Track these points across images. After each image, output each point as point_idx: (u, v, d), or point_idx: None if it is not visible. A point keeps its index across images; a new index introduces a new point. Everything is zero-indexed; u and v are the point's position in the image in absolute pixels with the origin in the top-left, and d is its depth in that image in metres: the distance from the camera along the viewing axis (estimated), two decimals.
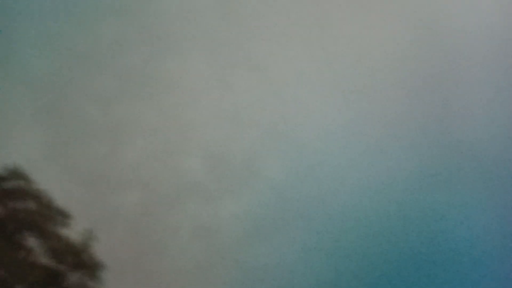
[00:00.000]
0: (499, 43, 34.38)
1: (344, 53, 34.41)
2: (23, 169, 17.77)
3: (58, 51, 30.96)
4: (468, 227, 29.82)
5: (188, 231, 26.86)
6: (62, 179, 24.44)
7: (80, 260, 17.51)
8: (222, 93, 34.27)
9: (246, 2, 34.67)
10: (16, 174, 17.64)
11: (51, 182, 19.43)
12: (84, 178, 26.53)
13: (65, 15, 31.48)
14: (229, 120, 32.66)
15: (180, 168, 29.43)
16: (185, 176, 29.05)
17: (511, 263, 28.00)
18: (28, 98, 28.77)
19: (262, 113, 33.07)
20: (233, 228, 27.96)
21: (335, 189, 30.72)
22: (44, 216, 17.71)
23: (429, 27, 34.83)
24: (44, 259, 17.29)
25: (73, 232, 18.08)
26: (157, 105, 32.36)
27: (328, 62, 34.65)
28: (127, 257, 22.28)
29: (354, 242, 28.35)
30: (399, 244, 29.15)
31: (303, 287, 27.84)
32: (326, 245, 28.19)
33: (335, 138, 32.02)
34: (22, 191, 17.65)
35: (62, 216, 17.82)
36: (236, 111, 32.92)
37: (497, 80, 34.43)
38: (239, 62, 34.13)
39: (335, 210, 29.68)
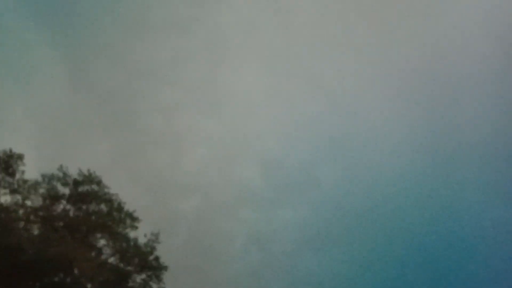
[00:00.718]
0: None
1: (400, 63, 34.25)
2: (96, 174, 18.52)
3: (124, 64, 32.99)
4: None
5: (244, 238, 27.53)
6: (128, 185, 25.70)
7: (146, 262, 18.10)
8: (280, 103, 35.05)
9: (303, 14, 35.31)
10: (90, 178, 18.44)
11: (118, 187, 19.84)
12: (148, 183, 27.89)
13: (130, 30, 33.52)
14: (286, 130, 33.31)
15: (238, 176, 30.31)
16: (243, 184, 29.86)
17: None
18: (97, 109, 30.83)
19: (319, 123, 33.48)
20: (288, 237, 28.34)
21: (392, 199, 30.42)
22: (114, 219, 18.42)
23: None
24: (112, 260, 18.08)
25: (139, 235, 18.86)
26: (217, 115, 33.64)
27: (383, 73, 34.60)
28: (186, 260, 23.14)
29: (411, 256, 27.95)
30: (463, 256, 28.28)
31: None
32: (381, 258, 28.01)
33: (392, 147, 31.82)
34: (95, 195, 18.42)
35: (131, 219, 18.47)
36: (292, 121, 33.56)
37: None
38: (296, 74, 34.83)
39: (391, 222, 29.44)
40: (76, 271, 16.95)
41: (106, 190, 18.48)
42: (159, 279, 18.11)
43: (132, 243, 18.29)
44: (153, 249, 18.35)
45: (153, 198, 26.96)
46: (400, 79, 33.93)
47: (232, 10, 34.44)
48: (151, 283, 18.08)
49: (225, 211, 28.38)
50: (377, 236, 29.25)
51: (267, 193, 29.95)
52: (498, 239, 27.96)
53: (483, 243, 28.38)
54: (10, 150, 17.64)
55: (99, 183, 18.43)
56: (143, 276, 18.07)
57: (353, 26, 34.61)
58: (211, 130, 31.77)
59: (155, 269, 18.15)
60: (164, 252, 18.78)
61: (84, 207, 18.26)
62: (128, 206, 18.86)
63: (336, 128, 34.54)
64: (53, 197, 17.93)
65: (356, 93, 34.34)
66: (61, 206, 18.11)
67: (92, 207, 18.35)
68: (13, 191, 17.37)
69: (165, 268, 18.44)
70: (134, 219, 18.53)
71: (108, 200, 18.44)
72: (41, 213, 17.70)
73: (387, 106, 33.60)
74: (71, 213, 18.09)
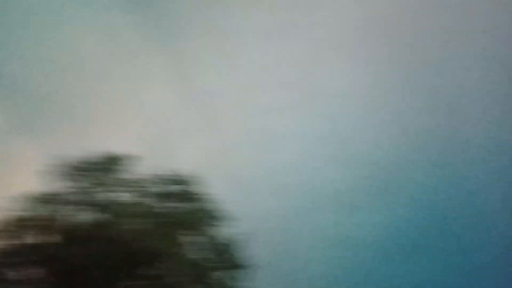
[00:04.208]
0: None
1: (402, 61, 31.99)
2: (189, 175, 19.97)
3: (225, 66, 34.68)
4: None
5: (327, 240, 27.76)
6: (221, 183, 27.34)
7: (231, 260, 19.29)
8: (372, 103, 34.42)
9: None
10: (183, 179, 19.94)
11: (214, 186, 20.89)
12: (242, 183, 29.15)
13: (237, 30, 34.94)
14: (373, 129, 32.62)
15: (321, 177, 30.39)
16: (325, 185, 29.82)
17: None
18: (199, 110, 32.93)
19: (407, 123, 32.28)
20: (372, 240, 28.01)
21: (487, 205, 28.56)
22: (202, 217, 19.76)
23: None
24: (195, 256, 19.16)
25: (228, 233, 19.74)
26: (308, 115, 34.07)
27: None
28: (269, 259, 24.05)
29: (501, 265, 26.09)
30: None
31: None
32: (468, 267, 26.44)
33: (486, 152, 29.78)
34: (187, 194, 19.86)
35: (221, 217, 19.65)
36: (380, 121, 32.76)
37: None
38: (392, 76, 33.87)
39: (485, 230, 27.69)
40: (164, 266, 18.28)
41: (198, 189, 19.66)
42: (239, 278, 19.11)
43: (215, 241, 19.39)
44: (240, 247, 19.27)
45: (244, 196, 28.19)
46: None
47: (327, 11, 34.39)
48: (232, 281, 19.15)
49: (311, 211, 28.70)
50: (471, 244, 27.77)
51: (353, 194, 29.76)
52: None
53: None
54: (127, 153, 19.51)
55: (197, 183, 19.70)
56: (224, 274, 19.17)
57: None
58: (302, 131, 32.29)
59: (235, 267, 19.12)
60: (246, 250, 19.41)
61: (187, 205, 19.58)
62: (221, 203, 19.92)
63: (433, 127, 33.04)
64: (164, 195, 19.48)
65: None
66: (170, 204, 19.52)
67: (194, 205, 19.61)
68: (128, 190, 19.15)
69: (247, 266, 19.17)
70: (224, 218, 19.45)
71: (199, 199, 19.59)
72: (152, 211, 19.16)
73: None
74: (171, 210, 19.38)
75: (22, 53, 33.23)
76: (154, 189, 20.13)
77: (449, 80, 34.32)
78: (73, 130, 28.95)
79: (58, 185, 18.77)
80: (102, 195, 19.08)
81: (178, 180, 20.30)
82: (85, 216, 18.55)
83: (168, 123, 32.67)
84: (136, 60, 33.92)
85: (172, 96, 33.11)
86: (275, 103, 33.19)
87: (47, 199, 18.37)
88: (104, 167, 19.62)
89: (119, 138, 27.54)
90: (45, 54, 33.45)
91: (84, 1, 34.71)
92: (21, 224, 17.74)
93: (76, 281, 17.33)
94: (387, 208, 29.95)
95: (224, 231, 19.88)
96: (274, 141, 32.18)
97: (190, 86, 32.99)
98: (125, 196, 19.37)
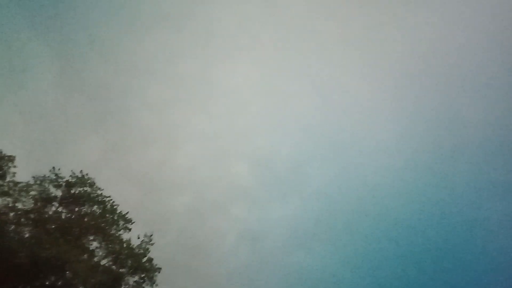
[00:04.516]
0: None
1: (394, 60, 34.39)
2: (88, 176, 18.39)
3: (115, 60, 32.73)
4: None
5: (235, 235, 27.82)
6: (118, 183, 25.72)
7: (140, 264, 18.01)
8: (271, 99, 35.10)
9: (294, 9, 35.21)
10: (82, 180, 18.28)
11: (109, 184, 19.72)
12: (139, 181, 27.93)
13: (119, 24, 33.17)
14: (277, 126, 33.44)
15: (229, 173, 30.46)
16: (234, 181, 30.04)
17: None
18: (86, 106, 30.65)
19: (310, 120, 33.65)
20: (279, 233, 28.69)
21: (382, 196, 30.85)
22: (107, 221, 18.32)
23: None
24: (105, 262, 17.87)
25: (131, 235, 18.92)
26: (208, 112, 33.61)
27: (378, 68, 34.73)
28: (178, 258, 23.33)
29: (401, 252, 28.45)
30: (450, 253, 28.83)
31: None
32: (370, 254, 28.53)
33: (383, 144, 32.15)
34: (88, 197, 18.27)
35: (124, 221, 18.43)
36: (284, 118, 33.69)
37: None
38: (287, 71, 34.83)
39: (381, 218, 29.91)
40: (68, 273, 16.82)
41: (99, 191, 18.38)
42: (152, 281, 18.07)
43: (125, 245, 18.18)
44: (146, 251, 18.35)
45: (144, 196, 27.02)
46: (393, 76, 34.20)
47: (223, 6, 34.24)
48: (144, 285, 18.34)
49: (217, 208, 28.60)
50: (367, 233, 29.83)
51: (258, 190, 30.26)
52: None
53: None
54: (0, 152, 17.58)
55: (92, 184, 18.30)
56: (136, 278, 18.12)
57: (345, 21, 34.66)
58: (202, 127, 31.85)
59: (148, 271, 18.06)
60: (154, 251, 18.77)
61: (76, 209, 18.12)
62: (119, 204, 19.26)
63: (327, 125, 34.77)
64: (45, 199, 17.72)
65: (347, 89, 34.56)
66: (53, 208, 17.91)
67: (85, 209, 18.19)
68: (3, 194, 17.10)
69: (158, 270, 18.37)
70: (127, 220, 18.49)
71: (101, 202, 18.34)
72: (32, 216, 17.48)
73: (379, 103, 33.90)
74: (63, 215, 17.92)
75: None
76: (47, 192, 18.18)
77: None
78: None
79: None
80: None
81: (74, 182, 18.58)
82: None
83: (54, 120, 29.79)
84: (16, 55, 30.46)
85: (58, 91, 30.32)
86: (174, 98, 32.15)
87: None
88: None
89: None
90: None
91: None
92: None
93: None
94: (289, 202, 30.84)
95: (130, 234, 18.65)
96: (177, 138, 31.20)
97: (79, 81, 30.47)
98: (4, 202, 17.36)
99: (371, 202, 30.65)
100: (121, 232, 18.51)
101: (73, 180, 18.18)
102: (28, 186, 17.65)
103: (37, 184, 17.80)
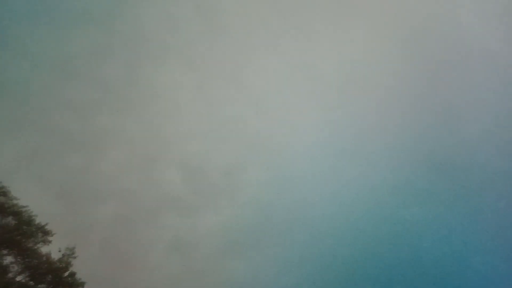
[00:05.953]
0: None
1: (322, 65, 35.17)
2: (2, 184, 16.92)
3: (33, 60, 30.29)
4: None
5: (165, 244, 26.56)
6: (35, 191, 23.87)
7: (61, 279, 16.98)
8: (202, 105, 34.33)
9: (227, 14, 34.90)
10: None
11: (25, 194, 18.27)
12: (58, 190, 26.00)
13: (40, 22, 30.85)
14: (209, 132, 32.68)
15: (159, 180, 29.11)
16: (163, 188, 28.73)
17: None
18: (0, 108, 28.02)
19: (242, 126, 33.32)
20: (211, 242, 27.82)
21: (315, 203, 31.16)
22: (24, 233, 17.06)
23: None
24: (21, 278, 16.61)
25: (51, 248, 17.70)
26: (137, 116, 32.08)
27: (308, 75, 35.32)
28: (103, 271, 21.91)
29: (334, 258, 28.80)
30: (381, 258, 29.72)
31: None
32: (304, 261, 28.53)
33: (316, 151, 32.56)
34: (1, 207, 16.86)
35: (43, 233, 17.18)
36: (216, 124, 33.03)
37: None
38: (220, 75, 34.34)
39: (314, 225, 30.16)
40: None
41: (14, 201, 16.96)
42: None
43: (44, 259, 17.10)
44: (68, 264, 17.32)
45: (65, 205, 25.17)
46: (321, 80, 34.92)
47: (154, 7, 33.07)
48: None
49: (146, 217, 27.29)
50: (301, 240, 29.90)
51: (190, 198, 29.27)
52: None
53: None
54: None
55: (5, 193, 16.88)
56: None
57: (276, 27, 34.93)
58: (130, 132, 30.35)
59: (71, 286, 17.02)
60: (77, 263, 17.82)
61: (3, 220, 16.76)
62: (37, 214, 17.88)
63: (259, 130, 34.70)
64: None
65: (279, 94, 34.75)
66: None
67: (11, 219, 16.86)
68: None
69: (82, 284, 17.37)
70: (46, 232, 17.24)
71: (17, 212, 16.92)
72: None
73: (311, 107, 34.41)
74: None
75: None
76: None
77: None
78: None
79: None
80: None
81: None
82: None
83: None
84: None
85: None
86: (99, 101, 30.38)
87: None
88: None
89: None
90: None
91: None
92: None
93: None
94: (222, 209, 30.24)
95: (50, 247, 17.40)
96: (102, 143, 29.41)
97: None
98: None
99: (305, 209, 30.90)
100: (39, 245, 17.32)
101: None
102: None
103: None
